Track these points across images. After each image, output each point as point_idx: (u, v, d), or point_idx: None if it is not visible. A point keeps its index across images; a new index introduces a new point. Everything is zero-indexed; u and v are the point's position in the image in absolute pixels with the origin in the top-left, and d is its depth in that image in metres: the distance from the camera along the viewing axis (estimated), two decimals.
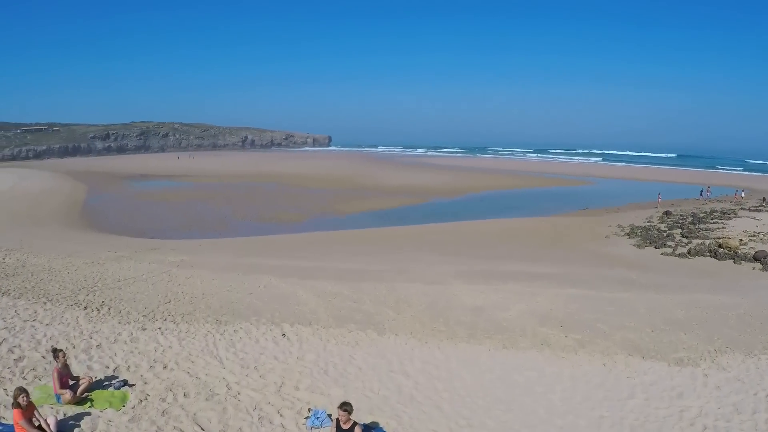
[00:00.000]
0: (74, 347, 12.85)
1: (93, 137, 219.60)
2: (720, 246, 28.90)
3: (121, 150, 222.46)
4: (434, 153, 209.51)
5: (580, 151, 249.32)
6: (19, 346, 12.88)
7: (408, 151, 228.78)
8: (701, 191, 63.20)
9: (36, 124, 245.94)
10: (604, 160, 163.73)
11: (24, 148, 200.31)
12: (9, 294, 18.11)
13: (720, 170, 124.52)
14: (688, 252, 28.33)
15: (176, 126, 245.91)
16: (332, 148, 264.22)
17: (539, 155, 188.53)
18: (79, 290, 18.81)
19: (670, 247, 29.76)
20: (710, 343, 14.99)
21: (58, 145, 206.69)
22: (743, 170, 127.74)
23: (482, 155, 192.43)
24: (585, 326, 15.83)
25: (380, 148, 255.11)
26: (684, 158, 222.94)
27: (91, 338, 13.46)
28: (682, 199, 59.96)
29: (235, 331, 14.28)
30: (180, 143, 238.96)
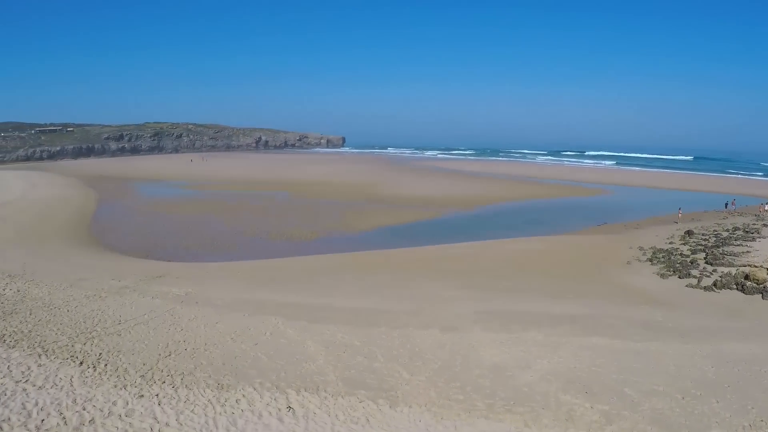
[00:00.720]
0: (66, 423, 12.05)
1: (107, 138, 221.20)
2: (746, 278, 27.63)
3: (135, 151, 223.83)
4: (447, 156, 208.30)
5: (591, 153, 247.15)
6: (8, 419, 12.10)
7: (419, 153, 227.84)
8: (726, 203, 61.41)
9: (50, 125, 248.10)
10: (617, 164, 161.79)
11: (38, 149, 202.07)
12: (4, 341, 17.40)
13: (739, 176, 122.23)
14: (714, 284, 27.08)
15: (190, 127, 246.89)
16: (345, 149, 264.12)
17: (552, 158, 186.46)
18: (77, 336, 18.04)
19: (694, 277, 28.52)
20: (744, 414, 13.85)
21: (72, 146, 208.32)
22: (763, 175, 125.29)
23: (495, 158, 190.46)
24: (611, 391, 14.73)
25: (390, 150, 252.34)
26: (700, 161, 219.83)
27: (84, 409, 12.62)
28: (703, 211, 58.35)
29: (237, 401, 13.33)
30: (194, 144, 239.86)
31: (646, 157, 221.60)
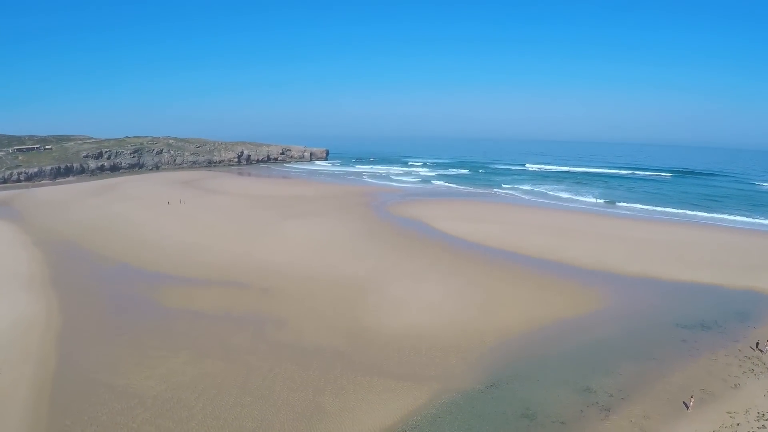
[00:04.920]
0: None
1: (86, 156, 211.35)
2: None
3: (115, 169, 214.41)
4: (426, 186, 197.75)
5: (572, 170, 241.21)
6: None
7: (399, 176, 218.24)
8: (757, 343, 54.26)
9: (29, 138, 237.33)
10: (602, 196, 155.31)
11: (15, 171, 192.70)
12: None
13: (738, 225, 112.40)
14: None
15: (171, 141, 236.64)
16: (324, 165, 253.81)
17: (532, 189, 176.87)
18: None
19: None
20: None
21: (50, 167, 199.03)
22: None
23: (473, 187, 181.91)
24: None
25: (367, 178, 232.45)
26: (683, 176, 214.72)
27: None
28: (714, 357, 51.36)
29: None
30: (174, 160, 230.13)
31: (627, 177, 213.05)
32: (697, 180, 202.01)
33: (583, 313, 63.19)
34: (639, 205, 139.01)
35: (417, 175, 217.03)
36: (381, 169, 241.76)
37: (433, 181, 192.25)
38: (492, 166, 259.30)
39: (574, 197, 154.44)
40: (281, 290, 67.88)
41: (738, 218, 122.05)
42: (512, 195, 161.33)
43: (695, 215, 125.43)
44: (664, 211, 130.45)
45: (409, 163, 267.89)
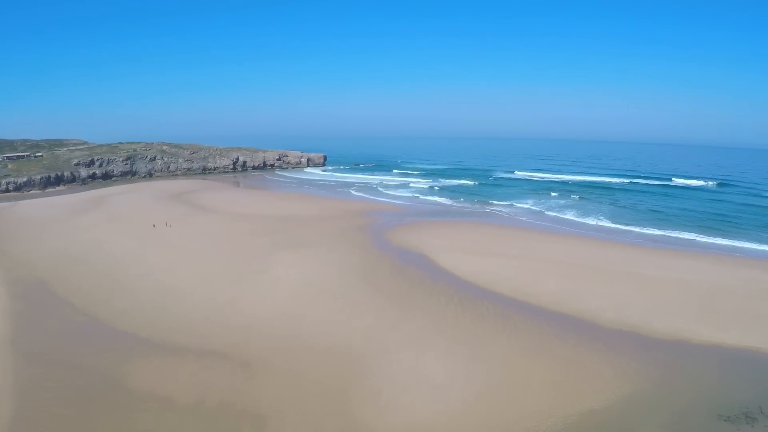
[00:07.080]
0: None
1: (77, 164, 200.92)
2: None
3: (107, 177, 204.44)
4: (425, 197, 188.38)
5: (574, 179, 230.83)
6: None
7: (394, 190, 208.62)
8: None
9: (21, 143, 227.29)
10: (609, 216, 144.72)
11: (4, 181, 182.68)
12: None
13: (761, 256, 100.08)
14: None
15: (164, 148, 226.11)
16: (324, 173, 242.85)
17: (535, 205, 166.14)
18: None
19: None
20: None
21: (39, 176, 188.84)
22: None
23: (470, 205, 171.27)
24: None
25: (359, 190, 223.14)
26: (686, 187, 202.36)
27: None
28: None
29: None
30: (168, 167, 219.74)
31: (630, 189, 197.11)
32: (703, 193, 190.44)
33: (612, 400, 53.15)
34: (649, 230, 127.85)
35: (415, 187, 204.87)
36: (379, 178, 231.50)
37: (432, 197, 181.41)
38: (492, 174, 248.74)
39: (580, 219, 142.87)
40: (264, 365, 57.95)
41: (758, 246, 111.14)
42: (514, 216, 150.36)
43: (711, 243, 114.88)
44: (678, 238, 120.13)
45: (408, 172, 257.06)
